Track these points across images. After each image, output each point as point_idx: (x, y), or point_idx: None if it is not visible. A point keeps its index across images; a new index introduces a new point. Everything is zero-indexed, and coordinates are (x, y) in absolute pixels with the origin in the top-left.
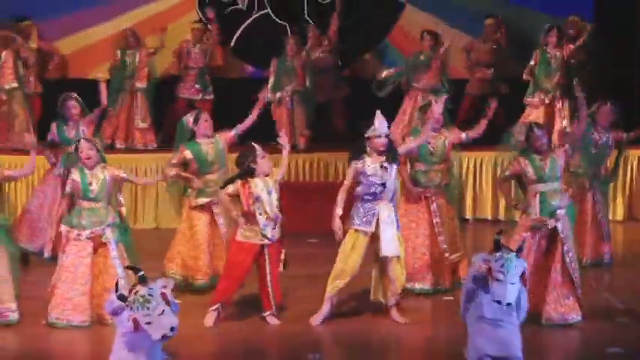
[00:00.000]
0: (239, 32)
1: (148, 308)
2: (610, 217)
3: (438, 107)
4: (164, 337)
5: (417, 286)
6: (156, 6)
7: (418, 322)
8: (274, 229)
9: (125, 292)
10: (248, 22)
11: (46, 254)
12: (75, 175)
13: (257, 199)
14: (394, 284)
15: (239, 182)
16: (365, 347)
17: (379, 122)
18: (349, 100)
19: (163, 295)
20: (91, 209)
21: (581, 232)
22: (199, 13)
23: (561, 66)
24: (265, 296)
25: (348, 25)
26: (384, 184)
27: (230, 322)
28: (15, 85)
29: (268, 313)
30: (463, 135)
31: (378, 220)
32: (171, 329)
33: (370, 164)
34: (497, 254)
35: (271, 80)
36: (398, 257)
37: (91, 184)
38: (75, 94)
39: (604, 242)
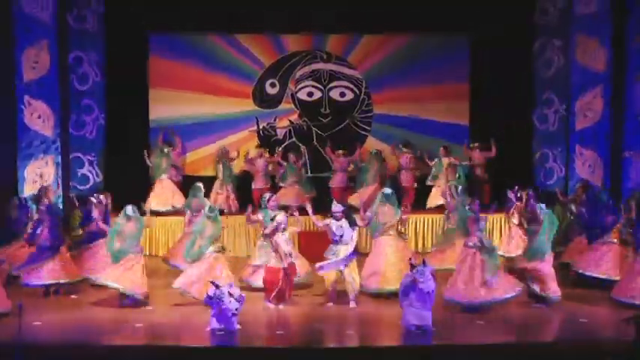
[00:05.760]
0: (279, 150)
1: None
2: None
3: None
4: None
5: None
6: (235, 136)
7: (373, 306)
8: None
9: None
10: (283, 145)
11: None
12: None
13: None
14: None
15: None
16: (343, 319)
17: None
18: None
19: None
20: (205, 245)
21: None
22: (258, 140)
23: (452, 170)
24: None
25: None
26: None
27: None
28: (165, 177)
29: (282, 304)
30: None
31: None
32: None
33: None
34: (414, 270)
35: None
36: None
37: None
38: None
39: None
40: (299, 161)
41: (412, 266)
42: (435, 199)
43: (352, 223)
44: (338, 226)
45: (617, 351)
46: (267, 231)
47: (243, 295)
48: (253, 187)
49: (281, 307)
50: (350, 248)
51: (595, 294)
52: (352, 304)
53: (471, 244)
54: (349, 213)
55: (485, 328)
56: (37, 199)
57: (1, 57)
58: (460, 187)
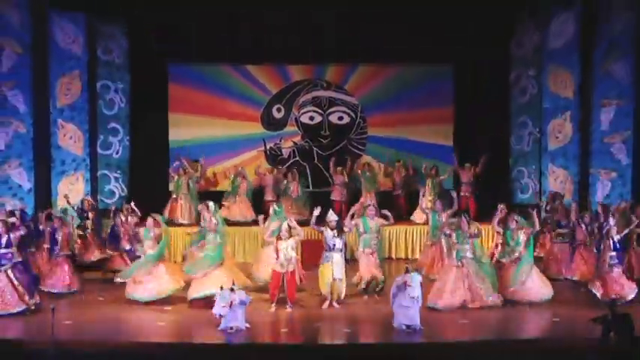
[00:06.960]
0: (284, 167)
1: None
2: None
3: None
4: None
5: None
6: (247, 155)
7: (367, 307)
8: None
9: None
10: (288, 163)
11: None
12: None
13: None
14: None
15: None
16: (341, 319)
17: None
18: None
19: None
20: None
21: None
22: (266, 160)
23: (440, 185)
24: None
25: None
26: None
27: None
28: (186, 192)
29: (288, 305)
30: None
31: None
32: (218, 315)
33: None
34: (407, 274)
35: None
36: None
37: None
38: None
39: None
40: (295, 176)
41: (406, 269)
42: (419, 214)
43: (340, 232)
44: (332, 235)
45: (593, 349)
46: (268, 238)
47: (247, 298)
48: (265, 199)
49: (288, 308)
50: (342, 254)
51: (578, 295)
52: (335, 305)
53: None
54: (340, 224)
55: (469, 327)
56: (81, 210)
57: (38, 85)
58: (438, 201)
